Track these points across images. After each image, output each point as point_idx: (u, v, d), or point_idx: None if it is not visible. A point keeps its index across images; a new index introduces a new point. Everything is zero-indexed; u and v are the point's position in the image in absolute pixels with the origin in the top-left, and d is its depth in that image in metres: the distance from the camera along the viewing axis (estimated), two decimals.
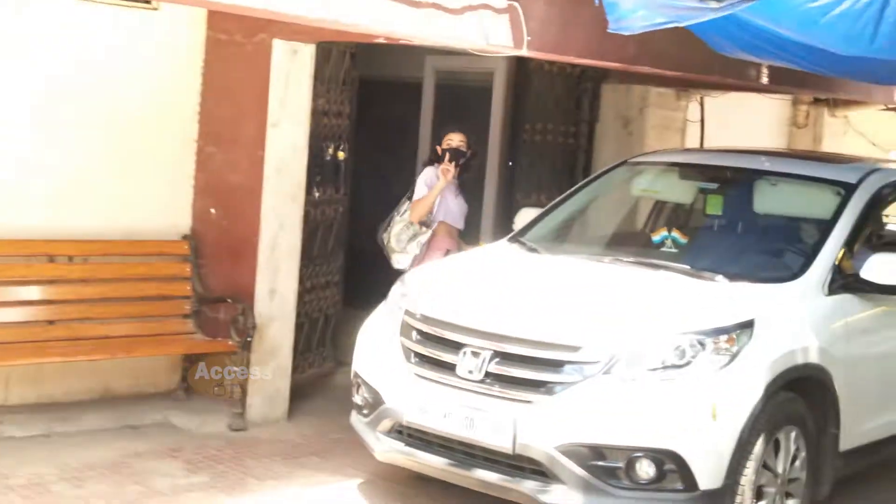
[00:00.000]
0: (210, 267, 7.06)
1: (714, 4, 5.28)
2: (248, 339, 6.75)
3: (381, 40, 6.32)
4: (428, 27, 5.82)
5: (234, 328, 6.79)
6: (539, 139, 9.39)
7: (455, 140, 7.46)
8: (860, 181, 6.32)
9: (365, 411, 5.73)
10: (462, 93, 9.60)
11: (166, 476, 5.89)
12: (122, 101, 6.79)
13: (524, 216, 6.95)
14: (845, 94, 9.79)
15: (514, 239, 6.63)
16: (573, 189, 7.18)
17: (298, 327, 7.30)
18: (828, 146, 12.11)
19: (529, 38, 6.26)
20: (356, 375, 5.85)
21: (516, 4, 6.17)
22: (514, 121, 9.18)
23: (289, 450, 6.52)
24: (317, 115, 7.32)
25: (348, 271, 8.10)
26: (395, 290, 6.06)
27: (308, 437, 6.80)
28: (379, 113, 11.02)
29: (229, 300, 6.86)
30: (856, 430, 5.87)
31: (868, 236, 6.24)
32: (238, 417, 6.77)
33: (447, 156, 7.26)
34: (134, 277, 6.85)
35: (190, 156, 7.07)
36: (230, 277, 6.98)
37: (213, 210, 7.04)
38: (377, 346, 5.78)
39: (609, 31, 5.78)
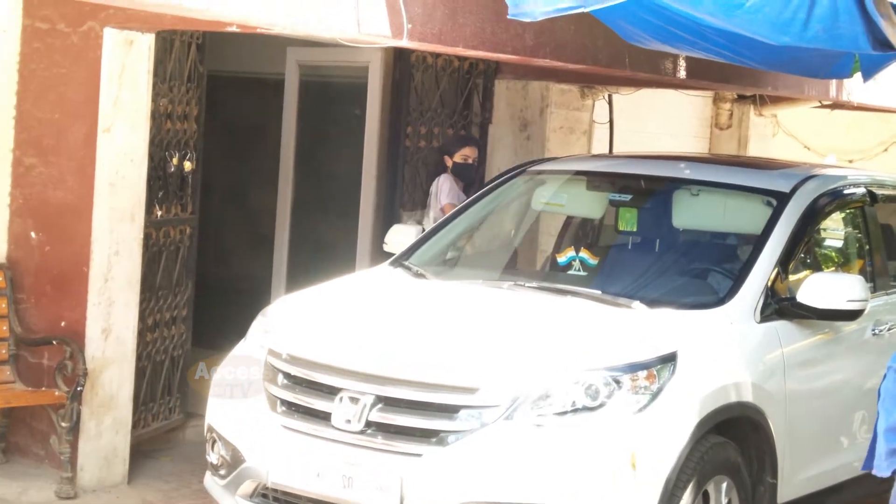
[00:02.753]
0: (31, 302, 6.94)
1: None
2: (79, 388, 6.65)
3: (233, 29, 6.27)
4: (289, 13, 5.78)
5: (60, 375, 6.68)
6: (424, 145, 9.41)
7: (471, 156, 7.67)
8: (794, 190, 6.45)
9: (222, 472, 5.65)
10: (331, 91, 9.59)
11: None
12: None
13: (398, 236, 6.95)
14: (774, 90, 10.01)
15: (398, 263, 6.62)
16: (465, 203, 7.21)
17: (139, 373, 7.20)
18: (755, 150, 12.37)
19: (410, 25, 6.26)
20: (210, 429, 5.77)
21: None
22: (393, 123, 9.19)
23: None
24: (158, 118, 7.25)
25: (198, 305, 8.02)
26: (256, 325, 6.00)
27: None
28: (232, 115, 10.96)
29: (55, 342, 6.75)
30: (796, 478, 5.98)
31: (805, 253, 6.37)
32: (67, 483, 6.66)
33: (456, 172, 7.43)
34: None
35: (4, 168, 6.95)
36: (56, 314, 6.86)
37: (33, 234, 6.92)
38: (235, 394, 5.71)
39: (509, 17, 5.81)
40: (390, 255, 6.86)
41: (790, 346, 5.94)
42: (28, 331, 6.90)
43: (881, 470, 3.98)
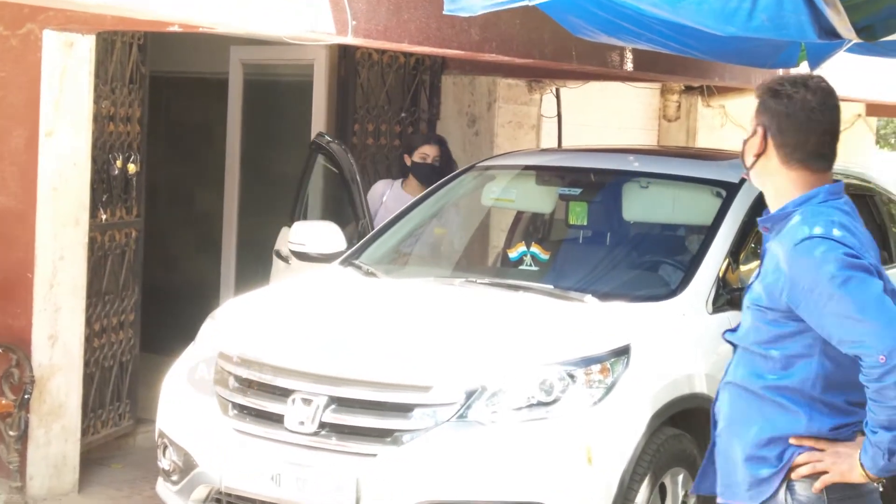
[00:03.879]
0: None
1: None
2: (26, 395, 6.61)
3: (174, 28, 6.25)
4: (231, 12, 5.77)
5: (7, 383, 6.64)
6: (371, 143, 9.41)
7: (430, 155, 7.63)
8: (742, 180, 6.46)
9: (174, 477, 5.63)
10: (276, 89, 9.57)
11: None
12: None
13: (302, 232, 6.89)
14: (721, 81, 10.07)
15: (347, 262, 6.62)
16: (415, 200, 7.22)
17: (87, 379, 7.16)
18: (703, 141, 12.45)
19: (354, 22, 6.26)
20: (161, 435, 5.75)
21: None
22: (340, 121, 9.18)
23: None
24: (100, 120, 7.22)
25: (146, 309, 7.98)
26: (206, 328, 5.99)
27: None
28: (176, 116, 10.92)
29: (1, 350, 6.69)
30: None
31: (755, 243, 6.42)
32: (16, 492, 6.61)
33: (413, 172, 7.41)
34: None
35: None
36: (1, 322, 6.80)
37: None
38: (186, 398, 5.69)
39: (445, 12, 5.82)
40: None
41: None
42: None
43: (743, 500, 3.68)
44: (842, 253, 3.47)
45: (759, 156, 3.70)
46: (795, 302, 3.51)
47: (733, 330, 3.83)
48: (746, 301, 3.74)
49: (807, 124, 3.64)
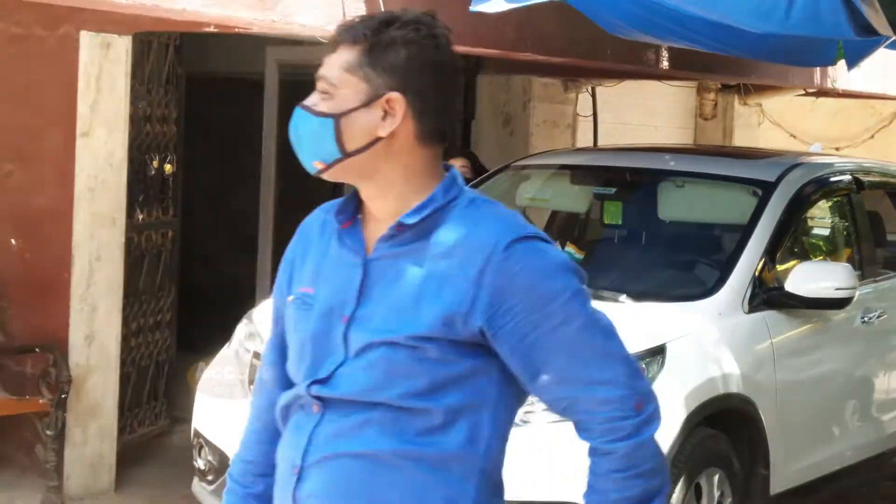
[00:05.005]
0: (13, 310, 6.91)
1: None
2: (63, 395, 6.62)
3: (210, 29, 6.26)
4: (266, 11, 5.78)
5: (44, 383, 6.65)
6: None
7: (456, 167, 7.55)
8: (779, 179, 6.45)
9: (209, 477, 5.64)
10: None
11: None
12: None
13: None
14: (758, 79, 10.04)
15: None
16: None
17: (124, 379, 7.18)
18: (740, 140, 12.41)
19: None
20: (197, 434, 5.76)
21: None
22: None
23: None
24: (137, 121, 7.23)
25: (182, 309, 8.01)
26: (241, 330, 5.98)
27: None
28: (212, 116, 10.93)
29: (38, 349, 6.72)
30: (788, 469, 5.98)
31: (792, 242, 6.38)
32: (54, 492, 6.62)
33: None
34: None
35: None
36: (38, 322, 6.83)
37: (13, 241, 6.89)
38: (221, 399, 5.70)
39: (471, 9, 5.80)
40: None
41: (779, 336, 5.95)
42: (10, 338, 6.87)
43: None
44: (573, 262, 2.55)
45: (379, 138, 2.53)
46: (498, 325, 2.47)
47: (323, 382, 2.54)
48: (362, 338, 2.51)
49: (452, 81, 2.64)
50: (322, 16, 6.02)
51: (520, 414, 4.91)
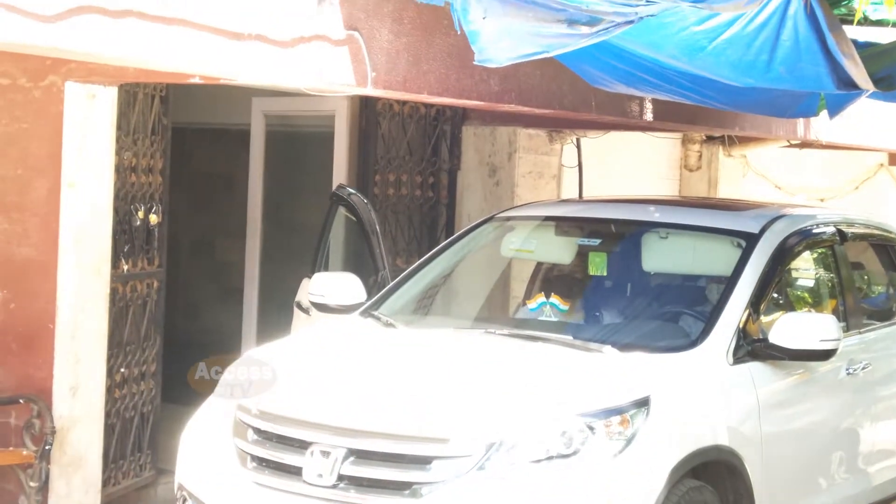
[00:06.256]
0: None
1: (585, 30, 5.38)
2: (47, 447, 6.58)
3: (195, 80, 6.28)
4: (252, 64, 5.80)
5: (28, 434, 6.61)
6: (392, 193, 9.43)
7: None
8: (763, 230, 6.47)
9: None
10: (298, 140, 9.61)
11: None
12: None
13: (322, 284, 6.84)
14: (742, 131, 10.08)
15: (367, 313, 6.61)
16: (434, 251, 7.21)
17: (108, 430, 7.15)
18: (726, 191, 12.44)
19: (374, 73, 6.29)
20: (181, 487, 5.72)
21: (357, 34, 6.20)
22: (361, 172, 9.21)
23: None
24: (122, 171, 7.23)
25: (167, 360, 7.98)
26: (226, 380, 5.97)
27: None
28: (198, 167, 10.99)
29: (22, 400, 6.68)
30: None
31: (776, 294, 6.39)
32: None
33: None
34: None
35: None
36: (22, 372, 6.79)
37: None
38: (205, 450, 5.67)
39: (475, 63, 5.85)
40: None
41: (764, 387, 5.94)
42: None
43: None
44: None
45: None
46: None
47: None
48: None
49: None
50: (305, 68, 6.04)
51: (506, 467, 4.89)
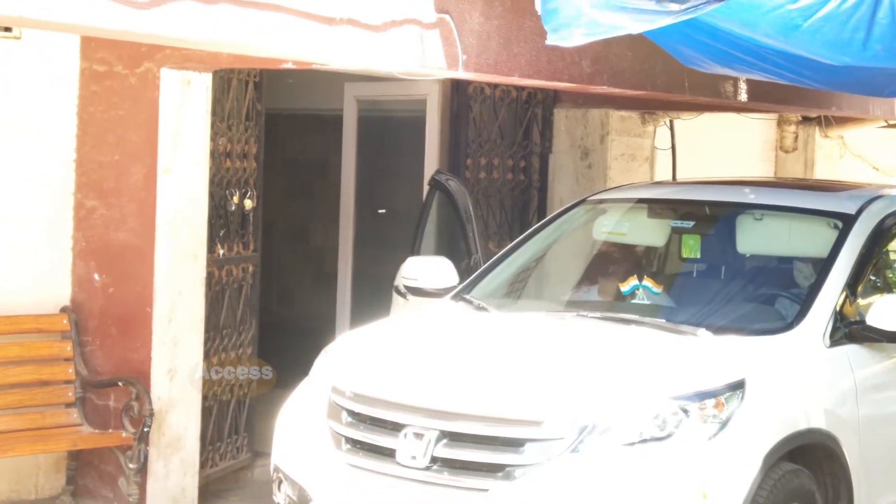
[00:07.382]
0: (96, 344, 6.98)
1: (675, 7, 5.30)
2: (145, 429, 6.67)
3: (288, 65, 6.31)
4: (344, 48, 5.82)
5: (127, 417, 6.72)
6: (484, 177, 9.41)
7: None
8: (860, 211, 6.37)
9: None
10: (390, 125, 9.62)
11: None
12: None
13: (415, 268, 6.89)
14: (838, 111, 9.92)
15: (459, 296, 6.61)
16: (526, 234, 7.19)
17: (206, 412, 7.23)
18: (822, 172, 12.27)
19: (465, 56, 6.28)
20: (276, 469, 5.77)
21: (447, 17, 6.19)
22: (452, 156, 9.20)
23: None
24: (217, 157, 7.30)
25: (263, 343, 8.05)
26: (319, 363, 6.01)
27: None
28: (292, 152, 11.05)
29: (120, 383, 6.78)
30: None
31: (874, 275, 6.29)
32: None
33: None
34: (4, 361, 6.73)
35: (66, 211, 7.01)
36: (121, 356, 6.90)
37: (96, 276, 6.97)
38: (300, 433, 5.71)
39: (546, 43, 5.79)
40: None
41: (862, 370, 5.86)
42: (94, 373, 6.94)
43: None
44: None
45: None
46: None
47: None
48: None
49: None
50: (397, 52, 6.04)
51: (600, 449, 4.86)
